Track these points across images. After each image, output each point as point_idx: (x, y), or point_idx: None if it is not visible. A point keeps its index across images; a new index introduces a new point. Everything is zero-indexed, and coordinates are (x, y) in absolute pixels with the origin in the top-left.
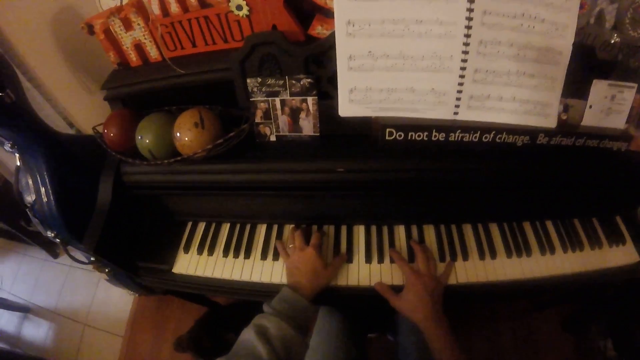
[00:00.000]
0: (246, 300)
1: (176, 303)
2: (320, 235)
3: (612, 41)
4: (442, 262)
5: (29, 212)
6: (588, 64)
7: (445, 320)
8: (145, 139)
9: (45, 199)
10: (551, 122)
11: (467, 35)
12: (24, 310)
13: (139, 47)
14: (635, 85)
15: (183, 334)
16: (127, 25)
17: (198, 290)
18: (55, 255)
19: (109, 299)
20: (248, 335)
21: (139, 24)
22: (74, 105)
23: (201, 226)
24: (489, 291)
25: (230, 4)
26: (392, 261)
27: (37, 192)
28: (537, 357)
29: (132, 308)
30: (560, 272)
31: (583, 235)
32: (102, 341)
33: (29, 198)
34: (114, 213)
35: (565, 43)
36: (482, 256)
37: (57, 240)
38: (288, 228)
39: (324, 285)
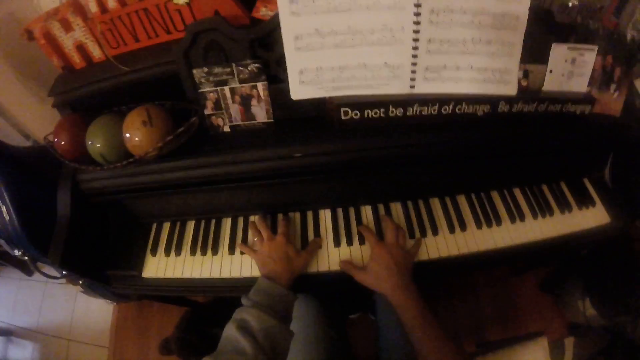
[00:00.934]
0: (225, 297)
1: (156, 307)
2: (286, 223)
3: (570, 4)
4: (412, 239)
5: None
6: (546, 27)
7: (415, 290)
8: (96, 143)
9: (7, 217)
10: (511, 89)
11: (418, 5)
12: (7, 333)
13: (81, 48)
14: (596, 47)
15: (167, 336)
16: (66, 26)
17: (171, 293)
18: (29, 273)
19: (89, 311)
20: (230, 331)
21: (78, 24)
22: (27, 115)
23: (166, 226)
24: (463, 263)
25: None
26: (361, 242)
27: None
28: (519, 319)
29: (112, 317)
30: (532, 239)
31: (552, 200)
32: (88, 354)
33: None
34: (75, 224)
35: (521, 7)
36: (452, 229)
37: (25, 258)
38: (253, 219)
39: (300, 271)
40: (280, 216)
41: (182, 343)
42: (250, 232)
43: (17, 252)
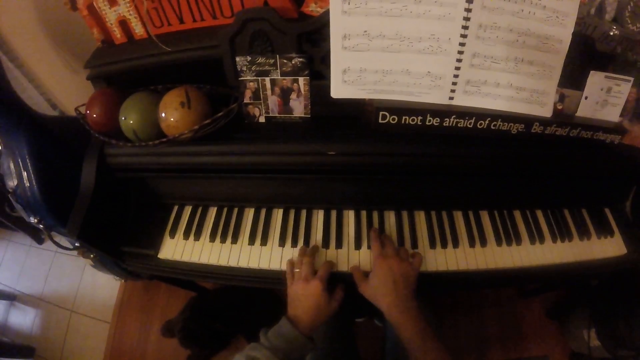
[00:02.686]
0: (234, 285)
1: (163, 288)
2: (329, 267)
3: (612, 33)
4: (432, 249)
5: (11, 198)
6: (586, 54)
7: (415, 308)
8: (129, 119)
9: (27, 184)
10: (547, 111)
11: (467, 19)
12: (10, 298)
13: (123, 24)
14: (632, 79)
15: (171, 319)
16: (112, 0)
17: (184, 276)
18: (40, 241)
19: (95, 285)
20: None
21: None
22: (57, 85)
23: (187, 210)
24: (477, 278)
25: None
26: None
27: (19, 177)
28: (522, 343)
29: (118, 294)
30: (549, 262)
31: (572, 225)
32: (89, 327)
33: (12, 183)
34: (97, 197)
35: (565, 32)
36: (472, 243)
37: (41, 226)
38: (276, 212)
39: (325, 320)
40: (326, 260)
41: (185, 333)
42: (296, 259)
43: (32, 219)
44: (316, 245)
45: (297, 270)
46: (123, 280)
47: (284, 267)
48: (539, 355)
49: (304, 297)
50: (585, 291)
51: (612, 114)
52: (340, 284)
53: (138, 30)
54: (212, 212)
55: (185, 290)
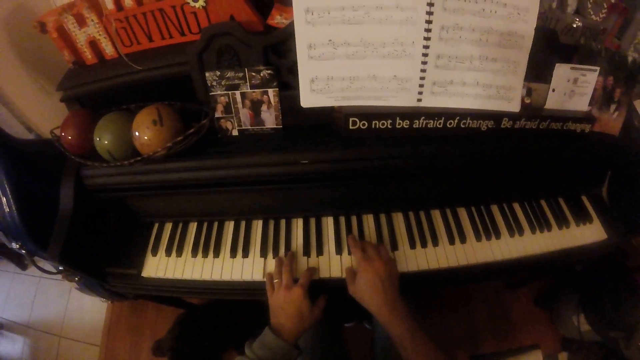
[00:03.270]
0: (222, 299)
1: (151, 307)
2: (310, 274)
3: (574, 25)
4: (413, 249)
5: None
6: (550, 47)
7: (403, 306)
8: (103, 139)
9: (7, 209)
10: (515, 106)
11: (429, 21)
12: None
13: (93, 44)
14: (598, 68)
15: (160, 338)
16: (81, 21)
17: (169, 293)
18: (23, 267)
19: (82, 308)
20: None
21: (92, 20)
22: (32, 108)
23: (168, 227)
24: (461, 274)
25: None
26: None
27: None
28: (513, 333)
29: (106, 316)
30: (530, 253)
31: (550, 215)
32: (79, 352)
33: None
34: (77, 219)
35: (527, 27)
36: (452, 241)
37: (23, 251)
38: (256, 224)
39: (309, 327)
40: (308, 266)
41: (174, 352)
42: (274, 269)
43: (14, 245)
44: (292, 252)
45: (277, 280)
46: (110, 302)
47: None
48: (530, 345)
49: (287, 305)
50: (571, 277)
51: (580, 104)
52: (324, 295)
53: (108, 50)
54: (193, 227)
55: (173, 307)
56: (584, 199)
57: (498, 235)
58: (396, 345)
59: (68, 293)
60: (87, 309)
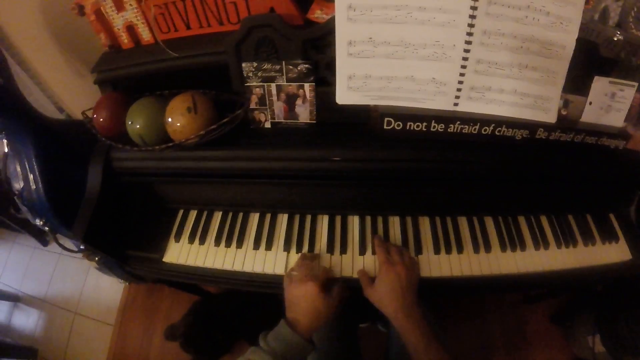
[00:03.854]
0: (238, 290)
1: (167, 291)
2: (326, 271)
3: (615, 39)
4: (437, 255)
5: (17, 200)
6: (590, 60)
7: (419, 313)
8: (135, 123)
9: (33, 186)
10: (551, 117)
11: (471, 25)
12: (14, 299)
13: (131, 29)
14: (636, 84)
15: (174, 322)
16: (119, 6)
17: (189, 280)
18: (45, 243)
19: (99, 287)
20: None
21: (131, 5)
22: (64, 89)
23: (193, 214)
24: (482, 284)
25: None
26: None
27: (26, 179)
28: (526, 349)
29: (122, 296)
30: (553, 268)
31: (577, 231)
32: (92, 330)
33: (18, 185)
34: (103, 200)
35: (568, 38)
36: (476, 249)
37: (46, 228)
38: (281, 217)
39: (324, 322)
40: (327, 266)
41: (186, 337)
42: (296, 262)
43: (38, 222)
44: (317, 254)
45: (295, 273)
46: (127, 283)
47: None
48: None
49: (302, 299)
50: (589, 296)
51: (616, 120)
52: (340, 283)
53: (145, 35)
54: (217, 216)
55: (189, 294)
56: (612, 217)
57: (523, 247)
58: (410, 351)
59: (86, 272)
60: (104, 289)
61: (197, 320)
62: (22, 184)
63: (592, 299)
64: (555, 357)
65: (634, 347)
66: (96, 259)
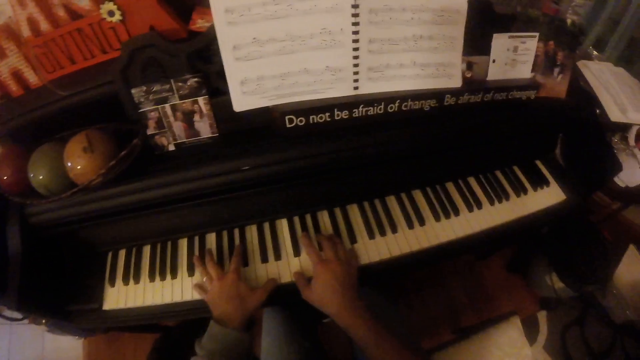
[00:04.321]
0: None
1: (127, 335)
2: (239, 258)
3: None
4: (372, 239)
5: None
6: (486, 19)
7: (362, 307)
8: (38, 175)
9: None
10: (456, 82)
11: (355, 6)
12: None
13: (17, 75)
14: (537, 34)
15: None
16: (0, 53)
17: (136, 322)
18: None
19: (59, 349)
20: None
21: (12, 50)
22: None
23: (122, 254)
24: (426, 257)
25: (101, 10)
26: (321, 249)
27: None
28: (491, 302)
29: (83, 353)
30: (492, 225)
31: (507, 185)
32: None
33: None
34: (28, 261)
35: (460, 1)
36: (410, 225)
37: None
38: (209, 237)
39: (255, 309)
40: (236, 234)
41: None
42: (197, 271)
43: None
44: (209, 249)
45: (206, 278)
46: (83, 338)
47: None
48: (507, 312)
49: (224, 292)
50: (538, 240)
51: (523, 72)
52: (273, 278)
53: (32, 79)
54: (147, 250)
55: (148, 333)
56: (539, 163)
57: (457, 213)
58: (360, 347)
59: (42, 335)
60: (64, 349)
61: (161, 357)
62: None
63: (541, 242)
64: (520, 302)
65: (591, 276)
66: (43, 321)
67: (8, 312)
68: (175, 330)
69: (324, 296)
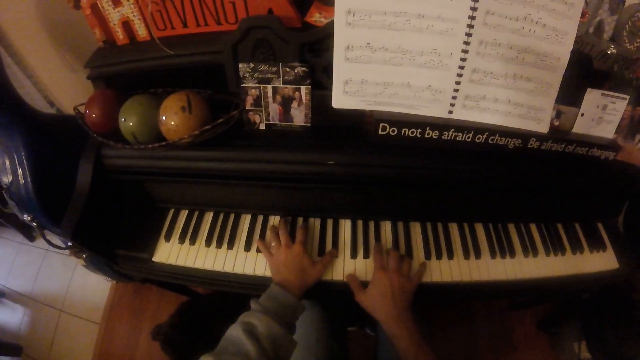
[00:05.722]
0: (227, 292)
1: (154, 291)
2: (305, 231)
3: (609, 52)
4: (427, 260)
5: (5, 194)
6: (583, 72)
7: (410, 320)
8: (128, 121)
9: (22, 181)
10: (544, 127)
11: (469, 34)
12: None
13: (126, 25)
14: (627, 97)
15: (161, 323)
16: (116, 1)
17: (178, 280)
18: (31, 238)
19: (85, 285)
20: (235, 332)
21: (128, 0)
22: (56, 83)
23: (183, 214)
24: (471, 290)
25: None
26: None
27: (14, 174)
28: (512, 354)
29: (109, 295)
30: (542, 275)
31: (565, 239)
32: (78, 328)
33: (6, 179)
34: (93, 198)
35: (563, 50)
36: (466, 255)
37: (34, 224)
38: (273, 219)
39: (312, 283)
40: (300, 222)
41: (166, 339)
42: (268, 234)
43: (26, 217)
44: (285, 219)
45: (275, 243)
46: (114, 282)
47: None
48: None
49: (289, 260)
50: (576, 304)
51: (607, 131)
52: (332, 250)
53: (141, 32)
54: (209, 217)
55: (177, 294)
56: (600, 226)
57: (513, 254)
58: (400, 357)
59: (73, 269)
60: (91, 286)
61: (183, 321)
62: (10, 178)
63: (578, 306)
64: None
65: (619, 354)
66: (84, 256)
67: (50, 238)
68: (204, 299)
69: (376, 302)
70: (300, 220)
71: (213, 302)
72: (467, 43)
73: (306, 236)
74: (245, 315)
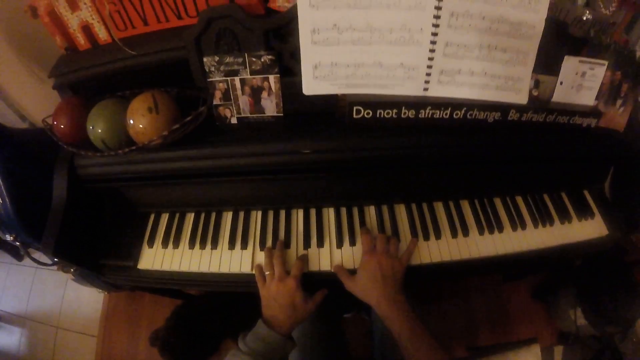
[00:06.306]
0: (219, 291)
1: (148, 297)
2: (301, 265)
3: (584, 18)
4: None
5: None
6: (560, 39)
7: (403, 301)
8: (97, 128)
9: (0, 201)
10: (522, 98)
11: (438, 7)
12: None
13: (86, 29)
14: (606, 62)
15: (158, 328)
16: (73, 5)
17: (166, 285)
18: (19, 258)
19: (79, 299)
20: None
21: (85, 3)
22: (25, 96)
23: (164, 217)
24: (462, 267)
25: None
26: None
27: None
28: (510, 326)
29: (103, 306)
30: (532, 247)
31: (553, 210)
32: (76, 343)
33: None
34: (70, 210)
35: (538, 17)
36: (454, 234)
37: (17, 243)
38: (255, 214)
39: (303, 319)
40: (298, 260)
41: (163, 344)
42: (264, 261)
43: (8, 237)
44: (281, 241)
45: (268, 272)
46: (106, 292)
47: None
48: (528, 338)
49: (279, 297)
50: (569, 271)
51: (587, 98)
52: (323, 289)
53: (102, 34)
54: (190, 218)
55: (171, 298)
56: (586, 194)
57: (501, 229)
58: (395, 339)
59: (65, 284)
60: (84, 300)
61: (179, 324)
62: None
63: (572, 273)
64: (539, 332)
65: (615, 318)
66: (72, 270)
67: (37, 256)
68: (197, 300)
69: (366, 286)
70: (282, 213)
71: (207, 302)
72: (437, 17)
73: (302, 270)
74: (232, 355)
